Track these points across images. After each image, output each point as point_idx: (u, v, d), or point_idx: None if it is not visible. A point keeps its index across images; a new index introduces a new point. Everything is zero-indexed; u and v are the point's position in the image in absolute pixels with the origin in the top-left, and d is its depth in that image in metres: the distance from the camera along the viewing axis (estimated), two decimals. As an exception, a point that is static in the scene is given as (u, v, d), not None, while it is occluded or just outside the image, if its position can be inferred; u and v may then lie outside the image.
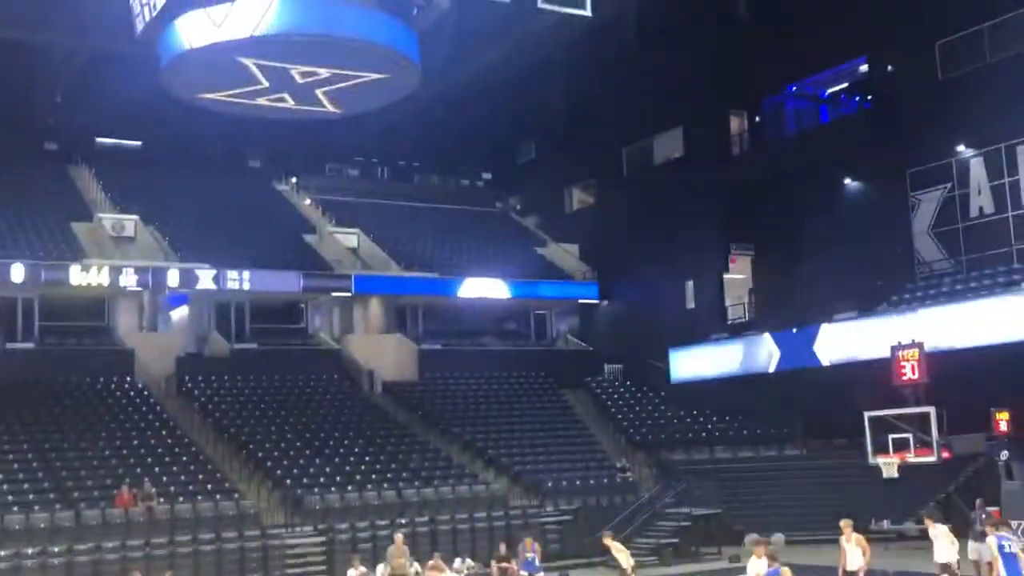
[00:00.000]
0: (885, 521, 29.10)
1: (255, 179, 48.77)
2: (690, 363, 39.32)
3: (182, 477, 30.13)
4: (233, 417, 34.67)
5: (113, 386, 34.93)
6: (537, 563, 25.00)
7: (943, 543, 18.82)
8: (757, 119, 42.41)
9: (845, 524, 18.62)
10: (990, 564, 21.41)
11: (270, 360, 38.34)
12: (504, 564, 25.82)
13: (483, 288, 42.55)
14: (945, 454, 23.81)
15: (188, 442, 32.57)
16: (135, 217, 39.44)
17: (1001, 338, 29.21)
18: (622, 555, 20.80)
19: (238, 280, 37.80)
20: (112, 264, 35.97)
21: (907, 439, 24.06)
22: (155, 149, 46.73)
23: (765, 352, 36.24)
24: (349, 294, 40.55)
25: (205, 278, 37.24)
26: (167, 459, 31.05)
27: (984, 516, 22.41)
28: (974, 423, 24.76)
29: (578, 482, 33.53)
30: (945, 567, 18.88)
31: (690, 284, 42.53)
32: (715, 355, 38.55)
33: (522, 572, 24.81)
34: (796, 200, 38.36)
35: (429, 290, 42.02)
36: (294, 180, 49.17)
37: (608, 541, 21.42)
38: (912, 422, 24.06)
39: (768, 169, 39.39)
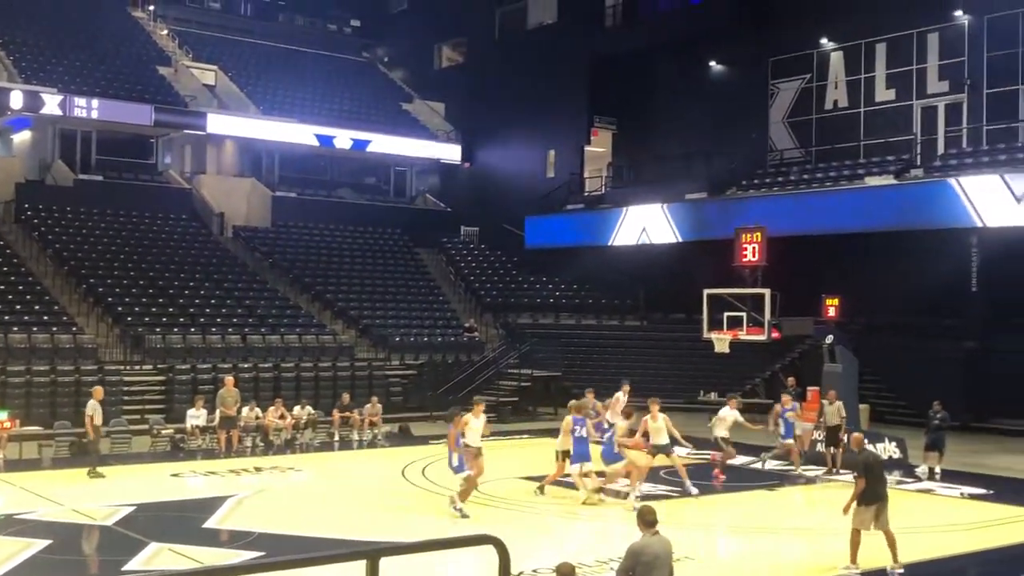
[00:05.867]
0: (713, 393, 30.60)
1: (109, 2, 46.15)
2: (545, 231, 39.89)
3: (18, 306, 29.19)
4: (74, 250, 33.58)
5: (-55, 208, 33.34)
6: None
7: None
8: (634, -9, 42.25)
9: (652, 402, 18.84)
10: (801, 438, 22.82)
11: (116, 194, 37.02)
12: (346, 414, 26.18)
13: (342, 139, 41.79)
14: (775, 334, 24.95)
15: (25, 271, 31.48)
16: (-24, 31, 37.05)
17: (839, 228, 30.73)
18: None
19: (86, 108, 36.12)
20: (-52, 79, 33.90)
21: (741, 318, 25.09)
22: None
23: (616, 225, 37.04)
24: (203, 133, 39.26)
25: (51, 103, 35.43)
26: (2, 287, 29.99)
27: (793, 393, 23.60)
28: (805, 307, 26.01)
29: (425, 338, 34.01)
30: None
31: (552, 153, 42.82)
32: (569, 225, 39.24)
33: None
34: (662, 79, 38.90)
35: (286, 136, 40.93)
36: (151, 8, 46.77)
37: None
38: (747, 302, 25.07)
39: (639, 44, 39.52)
